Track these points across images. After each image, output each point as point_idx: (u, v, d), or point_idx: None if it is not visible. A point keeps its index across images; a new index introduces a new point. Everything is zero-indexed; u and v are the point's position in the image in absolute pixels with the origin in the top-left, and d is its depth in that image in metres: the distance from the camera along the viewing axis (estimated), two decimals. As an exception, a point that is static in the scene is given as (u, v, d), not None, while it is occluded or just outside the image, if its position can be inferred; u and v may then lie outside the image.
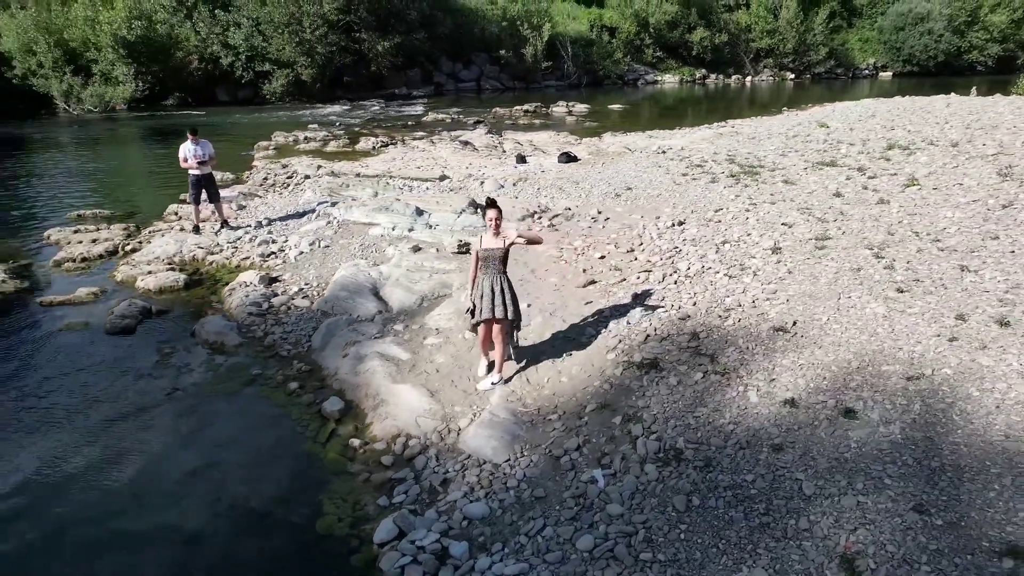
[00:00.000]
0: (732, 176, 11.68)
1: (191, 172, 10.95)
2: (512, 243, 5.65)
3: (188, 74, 33.09)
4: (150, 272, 9.55)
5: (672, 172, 12.61)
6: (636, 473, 4.46)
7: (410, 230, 10.52)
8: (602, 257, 8.44)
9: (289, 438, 5.90)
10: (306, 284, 8.96)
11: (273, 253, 10.26)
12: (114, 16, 29.59)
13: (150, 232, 11.58)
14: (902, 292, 6.22)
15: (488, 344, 6.16)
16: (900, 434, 4.28)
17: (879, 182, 10.37)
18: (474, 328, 6.11)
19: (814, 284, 6.61)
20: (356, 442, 5.70)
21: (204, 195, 11.19)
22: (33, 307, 8.62)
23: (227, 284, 9.14)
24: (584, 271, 8.08)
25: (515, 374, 6.10)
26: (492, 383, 6.01)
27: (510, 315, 5.79)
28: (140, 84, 30.67)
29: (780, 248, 7.70)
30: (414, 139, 21.10)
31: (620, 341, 6.19)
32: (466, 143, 18.93)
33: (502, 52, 39.45)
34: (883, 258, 7.07)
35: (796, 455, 4.26)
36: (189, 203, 11.40)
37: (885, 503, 3.76)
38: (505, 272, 5.80)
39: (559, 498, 4.55)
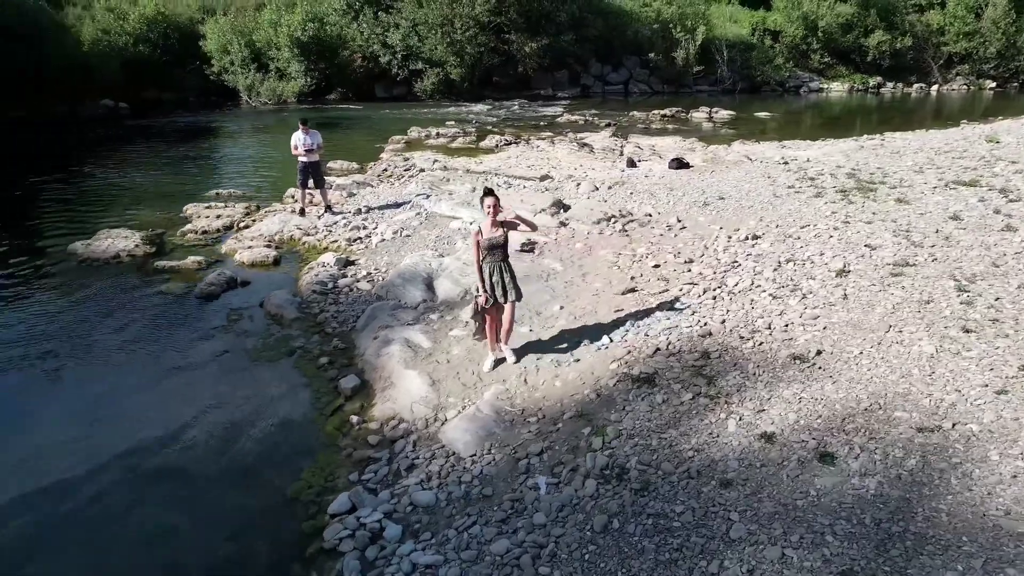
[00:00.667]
0: (841, 191, 10.60)
1: (300, 159, 11.94)
2: (509, 227, 5.70)
3: (352, 71, 35.95)
4: (249, 247, 10.59)
5: (777, 184, 11.70)
6: (577, 486, 4.27)
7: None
8: (656, 266, 8.06)
9: (302, 407, 6.30)
10: (375, 269, 9.44)
11: (359, 239, 10.92)
12: (292, 19, 32.90)
13: (265, 212, 12.81)
14: (968, 332, 5.35)
15: (496, 334, 6.19)
16: (874, 489, 3.72)
17: (1019, 206, 8.94)
18: (478, 315, 6.13)
19: (866, 313, 5.87)
20: (355, 419, 5.96)
21: (311, 181, 12.15)
22: (150, 270, 9.92)
23: (309, 263, 9.90)
24: (632, 279, 7.77)
25: (517, 369, 6.05)
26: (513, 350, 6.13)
27: (516, 296, 5.98)
28: (309, 80, 33.83)
29: (848, 271, 6.90)
30: (539, 139, 21.31)
31: (629, 352, 5.91)
32: (584, 145, 18.82)
33: (651, 55, 38.55)
34: (967, 292, 6.11)
35: (743, 494, 3.85)
36: (298, 188, 12.45)
37: (813, 562, 3.29)
38: (507, 258, 5.84)
39: (500, 499, 4.47)
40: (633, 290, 7.41)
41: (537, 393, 5.71)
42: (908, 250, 7.36)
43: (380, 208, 12.59)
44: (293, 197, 13.83)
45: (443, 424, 5.59)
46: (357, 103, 33.83)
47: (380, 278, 9.14)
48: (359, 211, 12.44)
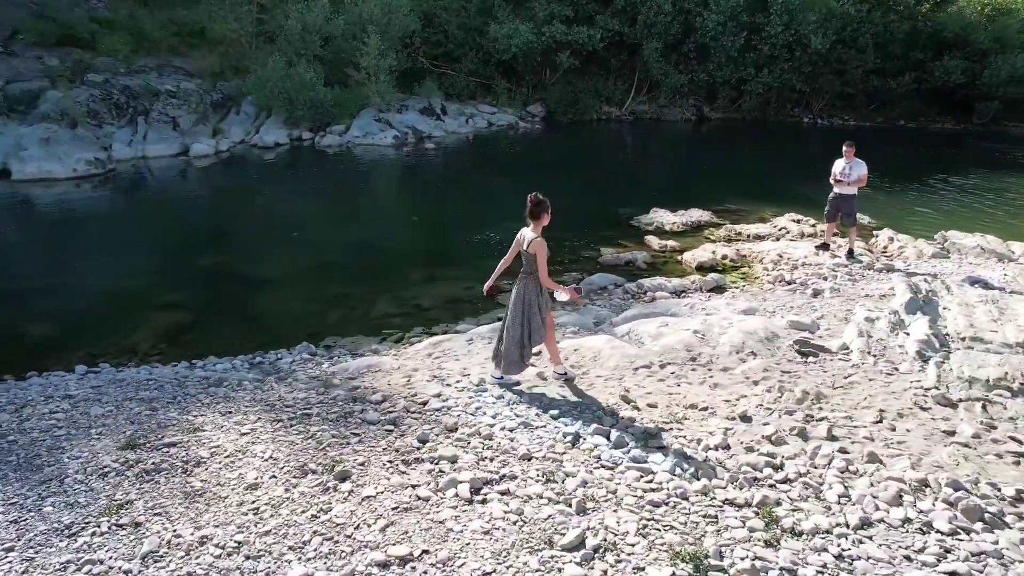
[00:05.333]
0: None
1: (834, 189, 10.61)
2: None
3: None
4: (711, 252, 10.90)
5: None
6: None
7: (897, 320, 7.45)
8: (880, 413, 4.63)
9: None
10: (704, 297, 9.02)
11: (786, 281, 9.75)
12: None
13: (803, 236, 11.97)
14: None
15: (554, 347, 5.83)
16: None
17: None
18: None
19: None
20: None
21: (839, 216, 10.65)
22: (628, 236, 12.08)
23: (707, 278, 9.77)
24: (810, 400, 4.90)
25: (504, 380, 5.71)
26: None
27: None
28: None
29: None
30: None
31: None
32: None
33: None
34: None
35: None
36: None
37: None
38: None
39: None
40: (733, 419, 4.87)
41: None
42: None
43: (895, 271, 9.88)
44: (874, 233, 11.98)
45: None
46: None
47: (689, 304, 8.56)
48: (870, 266, 10.20)
